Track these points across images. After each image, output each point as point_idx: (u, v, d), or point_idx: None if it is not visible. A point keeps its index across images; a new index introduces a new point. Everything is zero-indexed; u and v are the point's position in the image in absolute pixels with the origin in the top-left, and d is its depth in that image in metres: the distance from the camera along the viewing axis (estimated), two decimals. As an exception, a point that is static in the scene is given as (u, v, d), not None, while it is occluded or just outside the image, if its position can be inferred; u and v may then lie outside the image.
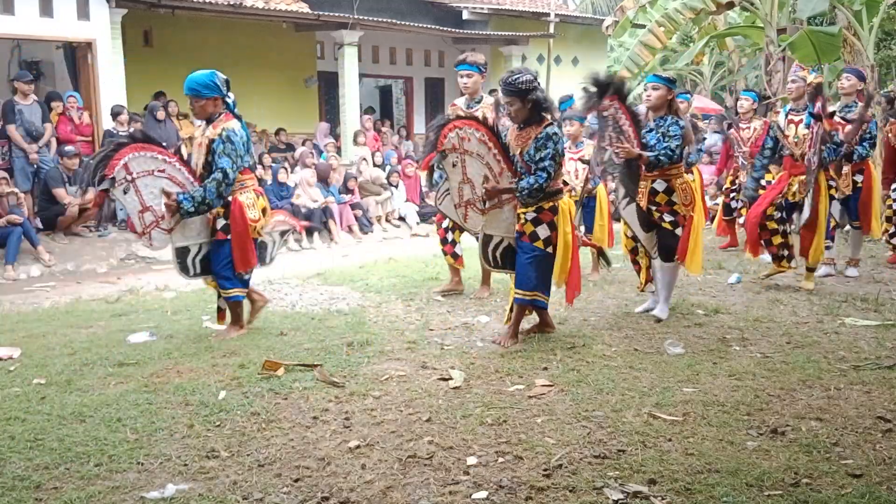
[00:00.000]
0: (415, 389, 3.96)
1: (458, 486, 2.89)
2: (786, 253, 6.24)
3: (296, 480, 2.96)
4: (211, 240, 4.95)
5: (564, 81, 14.95)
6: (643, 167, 5.04)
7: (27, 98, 9.55)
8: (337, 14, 12.98)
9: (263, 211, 5.05)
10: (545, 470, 2.99)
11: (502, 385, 4.01)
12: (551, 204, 4.66)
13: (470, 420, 3.52)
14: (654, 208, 5.22)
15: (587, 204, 6.93)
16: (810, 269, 6.39)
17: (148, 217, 4.84)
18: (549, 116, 4.62)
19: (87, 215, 9.52)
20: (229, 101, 4.90)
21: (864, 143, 6.71)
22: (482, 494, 2.81)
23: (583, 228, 7.07)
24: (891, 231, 7.40)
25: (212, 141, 4.77)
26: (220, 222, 4.90)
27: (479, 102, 5.88)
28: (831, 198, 6.29)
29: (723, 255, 8.07)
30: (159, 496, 2.84)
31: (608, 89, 4.96)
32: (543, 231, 4.65)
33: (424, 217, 12.12)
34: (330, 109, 15.11)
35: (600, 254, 5.84)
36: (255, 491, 2.87)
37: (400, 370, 4.28)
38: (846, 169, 6.79)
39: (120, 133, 10.23)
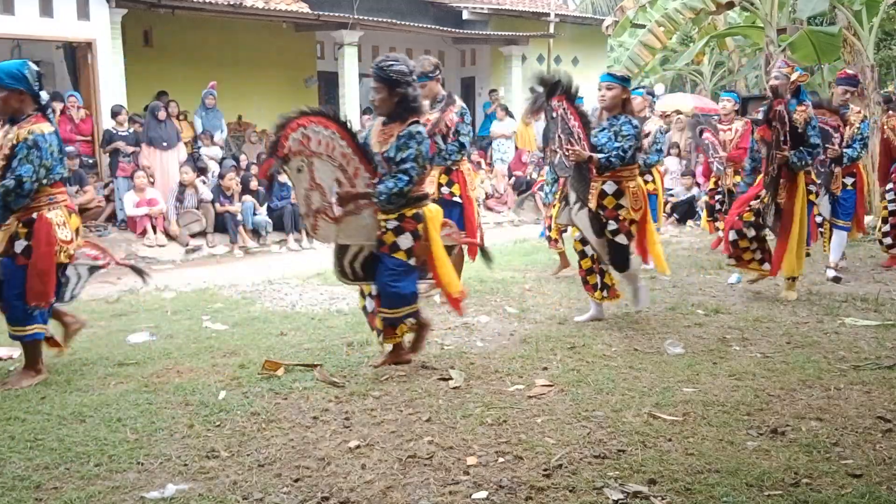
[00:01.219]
0: (415, 389, 3.96)
1: (458, 486, 2.89)
2: (758, 257, 5.93)
3: (296, 480, 2.96)
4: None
5: (564, 81, 14.94)
6: (594, 170, 4.88)
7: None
8: (337, 14, 12.98)
9: (77, 231, 4.30)
10: (545, 470, 2.99)
11: (502, 385, 4.01)
12: (414, 211, 4.18)
13: (470, 420, 3.52)
14: (601, 212, 5.03)
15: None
16: (791, 278, 5.99)
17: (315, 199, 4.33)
18: (416, 116, 4.16)
19: (87, 215, 9.53)
20: (42, 100, 4.20)
21: (855, 146, 6.58)
22: (482, 494, 2.81)
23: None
24: (884, 230, 7.26)
25: (14, 145, 4.01)
26: (20, 244, 4.05)
27: (441, 101, 5.80)
28: (811, 203, 5.95)
29: (723, 255, 8.06)
30: (159, 496, 2.84)
31: (556, 89, 4.81)
32: (405, 241, 4.17)
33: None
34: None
35: (482, 252, 4.92)
36: (255, 491, 2.87)
37: (400, 370, 4.28)
38: (837, 170, 6.68)
39: (119, 133, 10.26)
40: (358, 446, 3.26)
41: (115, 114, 10.21)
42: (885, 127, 7.48)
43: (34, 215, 4.09)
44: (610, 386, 3.95)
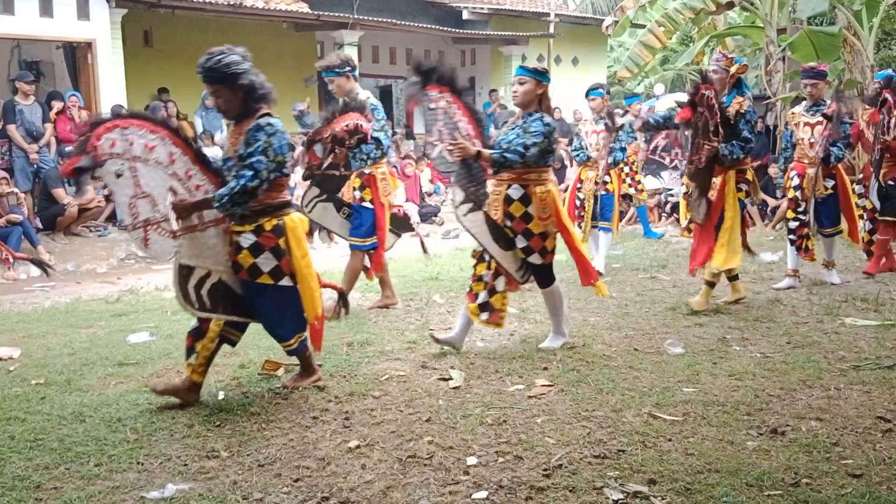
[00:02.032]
0: (415, 389, 3.96)
1: (458, 486, 2.89)
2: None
3: (296, 480, 2.96)
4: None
5: (564, 81, 14.96)
6: (488, 169, 4.37)
7: (28, 98, 9.56)
8: (337, 14, 12.99)
9: None
10: (545, 470, 2.99)
11: (502, 385, 4.01)
12: (275, 222, 3.68)
13: (470, 420, 3.52)
14: (509, 223, 4.42)
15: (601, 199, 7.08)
16: (710, 284, 5.61)
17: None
18: (265, 106, 3.70)
19: (86, 215, 9.53)
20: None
21: (839, 144, 6.12)
22: (482, 494, 2.81)
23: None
24: (867, 231, 6.86)
25: None
26: None
27: (355, 100, 5.51)
28: (741, 202, 5.52)
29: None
30: (159, 496, 2.84)
31: (431, 77, 4.37)
32: (267, 262, 3.66)
33: (425, 217, 12.13)
34: (331, 110, 15.11)
35: (340, 297, 4.41)
36: (255, 491, 2.87)
37: (400, 370, 4.28)
38: (812, 171, 6.14)
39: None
40: (358, 446, 3.26)
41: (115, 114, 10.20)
42: (861, 119, 7.13)
43: None
44: (610, 386, 3.95)
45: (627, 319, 5.39)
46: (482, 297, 4.49)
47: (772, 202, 10.68)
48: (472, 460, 3.09)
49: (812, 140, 6.15)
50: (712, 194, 5.44)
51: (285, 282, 3.73)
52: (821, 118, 6.04)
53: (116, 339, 5.13)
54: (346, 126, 5.19)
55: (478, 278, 4.52)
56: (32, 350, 4.89)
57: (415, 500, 2.79)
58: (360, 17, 13.07)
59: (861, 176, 7.03)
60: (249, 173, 3.53)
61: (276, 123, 3.63)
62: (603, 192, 7.16)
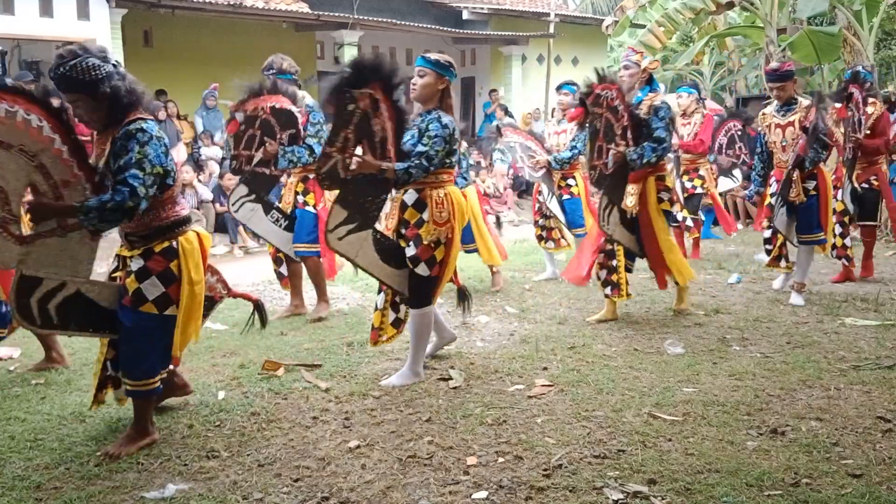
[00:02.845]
0: (415, 389, 3.96)
1: (458, 486, 2.89)
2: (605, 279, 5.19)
3: (296, 480, 2.96)
4: None
5: (564, 81, 14.94)
6: (390, 184, 3.89)
7: (27, 98, 9.55)
8: (337, 14, 12.99)
9: None
10: (545, 470, 2.99)
11: (502, 385, 4.01)
12: (166, 244, 3.19)
13: (470, 420, 3.53)
14: (404, 230, 4.00)
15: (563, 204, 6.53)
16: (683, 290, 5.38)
17: None
18: (135, 111, 3.11)
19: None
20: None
21: (815, 146, 5.60)
22: (482, 494, 2.81)
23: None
24: (836, 235, 6.43)
25: None
26: None
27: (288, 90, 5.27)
28: (665, 212, 5.14)
29: (722, 255, 8.06)
30: (159, 496, 2.84)
31: (364, 78, 3.69)
32: (154, 288, 3.16)
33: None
34: (331, 109, 15.11)
35: (256, 308, 3.87)
36: (255, 491, 2.87)
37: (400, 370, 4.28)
38: (795, 175, 5.67)
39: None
40: (358, 446, 3.26)
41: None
42: (830, 118, 6.62)
43: None
44: (610, 386, 3.95)
45: (627, 319, 5.39)
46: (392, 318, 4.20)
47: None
48: (472, 460, 3.09)
49: (784, 143, 5.73)
50: (632, 206, 5.00)
51: (171, 311, 3.22)
52: (791, 120, 5.64)
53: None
54: (275, 106, 5.00)
55: (389, 305, 4.18)
56: (32, 350, 4.88)
57: (415, 500, 2.79)
58: (360, 17, 13.07)
59: (834, 177, 6.58)
60: (126, 190, 2.96)
61: (151, 128, 3.08)
62: (567, 197, 6.56)
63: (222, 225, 10.07)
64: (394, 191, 4.05)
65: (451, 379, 4.10)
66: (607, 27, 13.28)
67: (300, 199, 5.40)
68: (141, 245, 3.19)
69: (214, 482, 2.95)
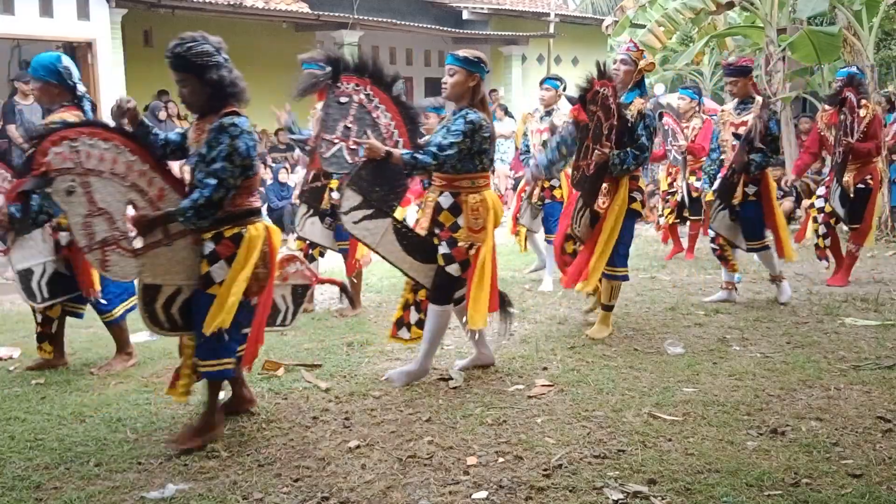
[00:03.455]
0: (415, 389, 3.96)
1: (458, 486, 2.89)
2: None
3: (296, 480, 2.96)
4: (55, 258, 4.28)
5: (564, 81, 14.94)
6: (402, 172, 3.90)
7: (27, 98, 9.56)
8: (337, 14, 12.99)
9: None
10: (545, 470, 2.99)
11: (502, 385, 4.01)
12: (235, 231, 3.30)
13: (470, 420, 3.52)
14: (437, 231, 3.99)
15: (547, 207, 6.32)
16: (606, 308, 5.02)
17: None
18: (233, 104, 3.31)
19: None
20: (79, 92, 4.22)
21: (763, 150, 5.42)
22: (482, 494, 2.81)
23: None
24: (820, 235, 6.51)
25: None
26: (65, 235, 4.22)
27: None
28: (632, 212, 4.88)
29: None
30: (159, 496, 2.84)
31: (340, 67, 3.83)
32: (221, 271, 3.27)
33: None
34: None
35: (342, 290, 4.15)
36: (255, 491, 2.87)
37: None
38: (737, 178, 5.54)
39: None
40: (358, 446, 3.26)
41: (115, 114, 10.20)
42: (821, 121, 6.73)
43: None
44: (610, 386, 3.95)
45: (627, 319, 5.39)
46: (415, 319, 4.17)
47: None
48: (472, 460, 3.09)
49: (735, 143, 5.57)
50: (602, 204, 4.84)
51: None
52: (745, 119, 5.51)
53: (116, 339, 5.13)
54: None
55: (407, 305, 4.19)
56: (32, 350, 4.88)
57: (415, 500, 2.79)
58: (360, 17, 13.07)
59: (826, 180, 6.61)
60: (213, 182, 3.16)
61: (242, 123, 3.26)
62: (548, 201, 6.37)
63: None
64: (429, 193, 4.08)
65: (451, 379, 4.10)
66: (607, 27, 13.25)
67: (335, 195, 5.50)
68: (212, 228, 3.29)
69: (214, 482, 2.95)
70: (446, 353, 4.61)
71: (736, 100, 5.70)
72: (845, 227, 6.70)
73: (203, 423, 3.37)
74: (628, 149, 4.71)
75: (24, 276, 4.19)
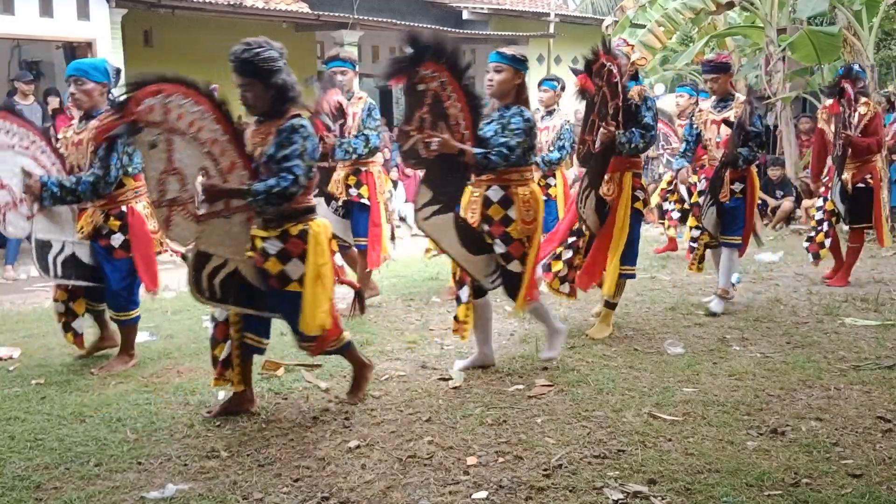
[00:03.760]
0: (415, 389, 3.96)
1: (458, 486, 2.89)
2: (563, 275, 4.89)
3: (296, 480, 2.96)
4: (78, 241, 4.35)
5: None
6: (469, 169, 3.93)
7: (27, 98, 9.57)
8: (337, 14, 12.99)
9: None
10: (545, 470, 2.99)
11: (502, 385, 4.01)
12: (300, 227, 3.46)
13: (470, 420, 3.52)
14: (487, 227, 4.05)
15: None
16: (609, 305, 5.03)
17: (2, 196, 4.26)
18: (294, 107, 3.50)
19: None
20: (113, 96, 4.34)
21: (750, 144, 5.29)
22: (482, 494, 2.81)
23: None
24: (815, 236, 6.54)
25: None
26: (118, 238, 4.31)
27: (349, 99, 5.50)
28: (636, 211, 4.89)
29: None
30: (159, 496, 2.84)
31: (426, 53, 3.73)
32: (296, 269, 3.43)
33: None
34: (330, 109, 15.11)
35: (358, 295, 4.25)
36: (255, 491, 2.87)
37: (400, 370, 4.28)
38: (725, 174, 5.42)
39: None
40: (358, 446, 3.26)
41: (115, 114, 10.21)
42: (821, 118, 6.75)
43: (124, 208, 4.32)
44: (610, 386, 3.95)
45: (627, 319, 5.39)
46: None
47: (772, 202, 10.68)
48: (472, 460, 3.09)
49: (719, 140, 5.47)
50: (607, 191, 4.81)
51: None
52: (726, 116, 5.39)
53: (116, 338, 5.12)
54: (332, 104, 5.15)
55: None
56: (32, 350, 4.89)
57: (415, 500, 2.79)
58: (360, 17, 13.06)
59: (826, 178, 6.57)
60: (290, 178, 3.31)
61: (308, 125, 3.46)
62: (543, 197, 6.43)
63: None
64: (473, 188, 4.11)
65: (451, 379, 4.10)
66: (607, 27, 13.25)
67: (353, 191, 5.53)
68: (276, 226, 3.45)
69: (214, 482, 2.95)
70: (446, 353, 4.61)
71: (714, 98, 5.60)
72: (845, 227, 6.69)
73: (360, 375, 3.80)
74: (634, 128, 4.70)
75: (41, 246, 4.28)
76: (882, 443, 3.22)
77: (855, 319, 5.25)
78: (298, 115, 3.45)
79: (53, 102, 10.03)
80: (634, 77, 5.03)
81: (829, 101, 6.52)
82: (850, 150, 6.18)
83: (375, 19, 13.33)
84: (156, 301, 6.52)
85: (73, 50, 11.13)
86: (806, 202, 10.55)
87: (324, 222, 3.59)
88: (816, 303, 5.80)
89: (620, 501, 2.74)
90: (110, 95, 4.30)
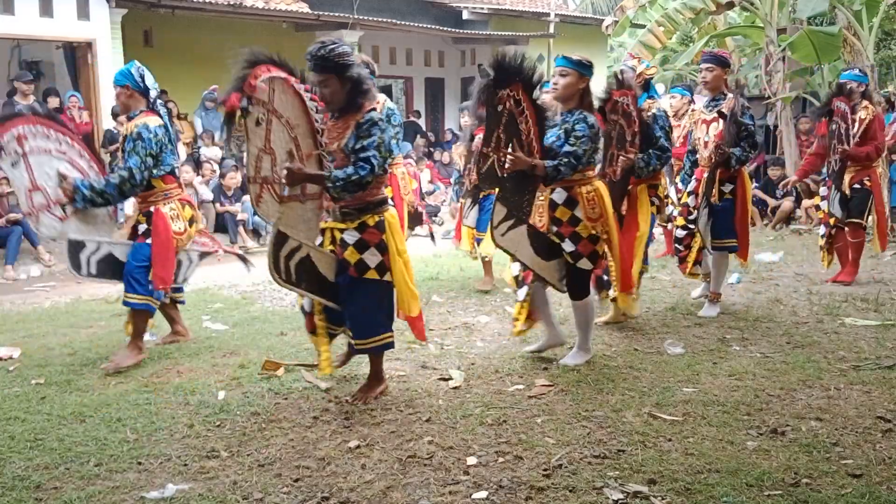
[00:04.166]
0: (415, 389, 3.96)
1: (458, 486, 2.89)
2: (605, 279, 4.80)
3: (296, 480, 2.96)
4: (115, 242, 4.61)
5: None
6: (540, 180, 4.03)
7: (27, 98, 9.57)
8: (337, 14, 12.99)
9: (191, 220, 4.70)
10: (545, 470, 2.99)
11: (502, 385, 4.01)
12: (377, 219, 3.68)
13: (470, 420, 3.52)
14: (555, 229, 4.19)
15: (482, 203, 6.19)
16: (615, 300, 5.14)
17: (37, 198, 4.42)
18: (369, 101, 3.67)
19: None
20: (151, 97, 4.63)
21: (742, 144, 5.17)
22: (482, 494, 2.81)
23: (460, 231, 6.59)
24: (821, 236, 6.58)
25: (125, 138, 4.46)
26: (142, 227, 4.57)
27: None
28: (653, 217, 5.13)
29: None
30: (159, 496, 2.84)
31: (514, 77, 3.85)
32: (373, 257, 3.66)
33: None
34: (330, 109, 15.12)
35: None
36: (255, 491, 2.87)
37: (400, 370, 4.28)
38: (717, 173, 5.30)
39: (120, 133, 10.25)
40: (358, 446, 3.26)
41: (115, 114, 10.20)
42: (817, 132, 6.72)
43: (151, 209, 4.54)
44: (610, 386, 3.95)
45: (627, 319, 5.39)
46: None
47: (771, 202, 10.68)
48: (472, 460, 3.09)
49: (707, 139, 5.34)
50: (623, 208, 4.99)
51: (388, 277, 3.73)
52: (716, 115, 5.28)
53: (116, 339, 5.12)
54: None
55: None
56: (32, 350, 4.89)
57: (415, 500, 2.79)
58: (360, 17, 13.06)
59: (826, 181, 6.54)
60: (367, 167, 3.52)
61: (383, 118, 3.67)
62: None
63: (222, 225, 10.08)
64: (538, 192, 4.19)
65: (451, 379, 4.10)
66: (607, 27, 13.26)
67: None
68: (355, 218, 3.67)
69: (214, 482, 2.95)
70: (446, 353, 4.61)
71: (706, 98, 5.50)
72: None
73: (373, 382, 3.87)
74: (650, 150, 4.91)
75: (74, 246, 4.48)
76: (882, 443, 3.22)
77: (855, 319, 5.25)
78: (374, 109, 3.63)
79: (53, 102, 10.04)
80: (646, 88, 5.14)
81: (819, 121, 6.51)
82: (846, 162, 6.22)
83: (375, 19, 13.33)
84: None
85: (74, 50, 11.13)
86: (806, 202, 10.55)
87: (394, 213, 3.83)
88: (816, 303, 5.80)
89: (620, 501, 2.74)
90: (150, 96, 4.62)
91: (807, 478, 2.90)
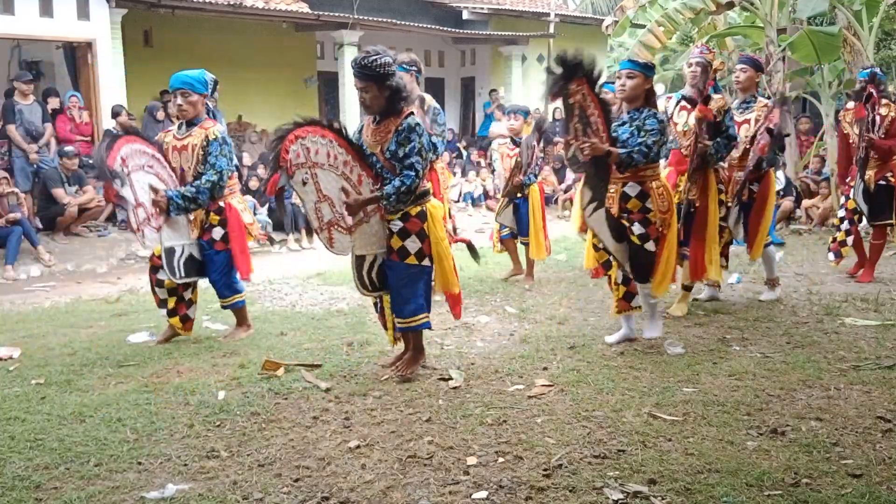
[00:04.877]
0: (415, 389, 3.96)
1: (458, 486, 2.89)
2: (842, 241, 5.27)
3: (296, 480, 2.96)
4: (192, 242, 4.83)
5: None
6: (614, 167, 4.38)
7: (27, 98, 9.57)
8: (337, 14, 12.99)
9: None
10: (545, 470, 2.99)
11: (502, 385, 4.01)
12: (419, 209, 4.05)
13: (470, 420, 3.52)
14: (625, 216, 4.54)
15: (519, 205, 6.70)
16: (686, 288, 5.50)
17: (140, 213, 4.67)
18: (406, 107, 3.98)
19: (86, 215, 9.53)
20: (211, 104, 4.89)
21: (719, 140, 5.22)
22: (482, 494, 2.81)
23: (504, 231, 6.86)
24: (837, 235, 6.74)
25: (207, 143, 4.67)
26: (218, 232, 4.83)
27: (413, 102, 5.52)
28: (722, 203, 5.36)
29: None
30: (159, 496, 2.84)
31: (576, 71, 4.14)
32: (413, 244, 4.04)
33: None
34: (330, 109, 15.13)
35: (469, 249, 4.89)
36: (255, 491, 2.87)
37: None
38: (739, 174, 5.55)
39: (119, 133, 10.25)
40: (358, 446, 3.26)
41: (115, 114, 10.21)
42: (843, 121, 6.81)
43: (221, 204, 4.83)
44: (610, 386, 3.95)
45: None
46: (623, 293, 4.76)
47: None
48: (472, 460, 3.09)
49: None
50: (694, 197, 5.20)
51: (426, 262, 4.08)
52: (747, 118, 5.54)
53: (116, 339, 5.13)
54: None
55: (610, 281, 4.82)
56: (32, 350, 4.89)
57: (415, 500, 2.79)
58: (360, 17, 13.07)
59: (849, 178, 6.70)
60: (412, 174, 3.88)
61: (421, 123, 3.96)
62: (520, 198, 6.75)
63: (222, 225, 10.07)
64: (609, 184, 4.50)
65: (451, 379, 4.10)
66: (607, 27, 13.25)
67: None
68: (399, 209, 4.01)
69: (214, 482, 2.95)
70: (446, 353, 4.61)
71: (738, 100, 5.70)
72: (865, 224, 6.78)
73: (417, 354, 4.23)
74: (718, 139, 5.14)
75: (169, 253, 4.73)
76: (882, 443, 3.22)
77: (855, 319, 5.25)
78: (412, 114, 3.95)
79: (53, 102, 10.04)
80: (714, 85, 5.31)
81: (851, 104, 6.61)
82: (871, 151, 6.30)
83: (375, 19, 13.33)
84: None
85: (74, 50, 11.13)
86: (806, 202, 10.55)
87: (438, 203, 4.21)
88: (816, 303, 5.80)
89: (620, 501, 2.74)
90: (209, 103, 4.84)
91: (807, 478, 2.90)
